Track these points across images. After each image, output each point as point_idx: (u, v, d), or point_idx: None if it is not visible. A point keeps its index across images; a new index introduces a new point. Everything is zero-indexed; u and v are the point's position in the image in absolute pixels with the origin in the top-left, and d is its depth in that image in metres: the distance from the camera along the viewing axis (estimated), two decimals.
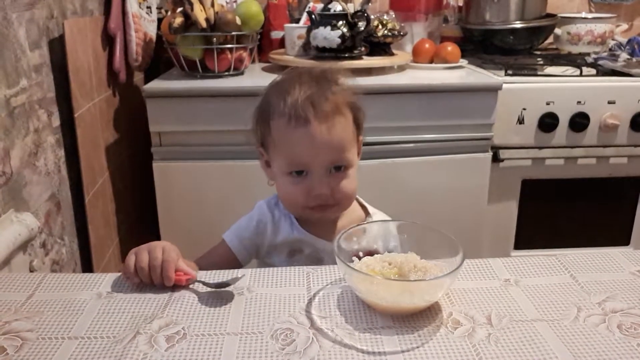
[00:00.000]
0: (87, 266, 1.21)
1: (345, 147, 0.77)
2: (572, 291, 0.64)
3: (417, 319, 0.58)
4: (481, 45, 1.75)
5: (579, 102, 1.41)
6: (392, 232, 0.69)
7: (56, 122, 1.09)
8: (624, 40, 1.64)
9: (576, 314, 0.60)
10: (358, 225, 0.70)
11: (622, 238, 1.58)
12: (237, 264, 0.85)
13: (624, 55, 1.49)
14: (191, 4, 1.30)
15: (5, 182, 0.89)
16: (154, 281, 0.65)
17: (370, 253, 0.68)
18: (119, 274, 0.68)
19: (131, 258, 0.66)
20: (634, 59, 1.47)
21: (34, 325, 0.58)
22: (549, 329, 0.57)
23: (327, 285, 0.66)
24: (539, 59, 1.65)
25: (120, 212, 1.42)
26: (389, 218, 0.89)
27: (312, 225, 0.84)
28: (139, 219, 1.58)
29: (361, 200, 0.89)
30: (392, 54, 1.52)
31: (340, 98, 0.77)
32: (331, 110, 0.75)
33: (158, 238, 1.35)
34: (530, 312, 0.60)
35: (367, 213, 0.89)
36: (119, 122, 1.43)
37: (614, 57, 1.51)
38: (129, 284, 0.66)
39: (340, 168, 0.78)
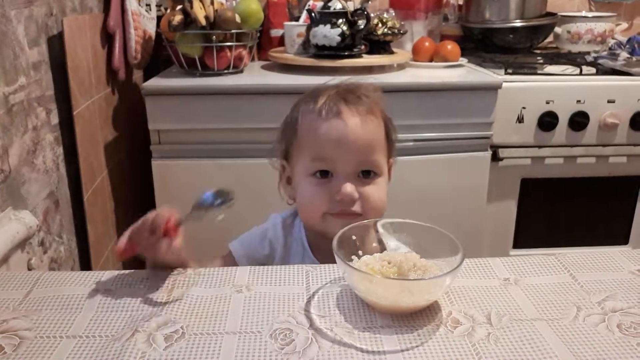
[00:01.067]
0: (86, 264, 1.21)
1: (376, 149, 0.74)
2: (572, 290, 0.64)
3: (416, 318, 0.58)
4: (481, 43, 1.74)
5: (578, 101, 1.41)
6: (393, 232, 0.69)
7: (55, 119, 1.09)
8: (624, 39, 1.64)
9: (576, 313, 0.60)
10: (358, 224, 0.70)
11: (621, 237, 1.58)
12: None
13: (624, 54, 1.49)
14: (190, 2, 1.29)
15: (3, 180, 0.89)
16: (147, 244, 0.64)
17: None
18: (118, 271, 0.68)
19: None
20: (634, 58, 1.46)
21: (32, 323, 0.58)
22: (548, 328, 0.57)
23: (326, 284, 0.65)
24: (538, 58, 1.65)
25: (119, 210, 1.42)
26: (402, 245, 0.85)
27: (325, 254, 0.76)
28: (138, 217, 1.58)
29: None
30: (391, 53, 1.52)
31: (373, 103, 0.75)
32: (364, 109, 0.73)
33: None
34: (529, 311, 0.60)
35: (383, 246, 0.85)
36: (118, 120, 1.42)
37: (614, 56, 1.51)
38: (127, 281, 0.66)
39: (369, 173, 0.74)
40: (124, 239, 0.65)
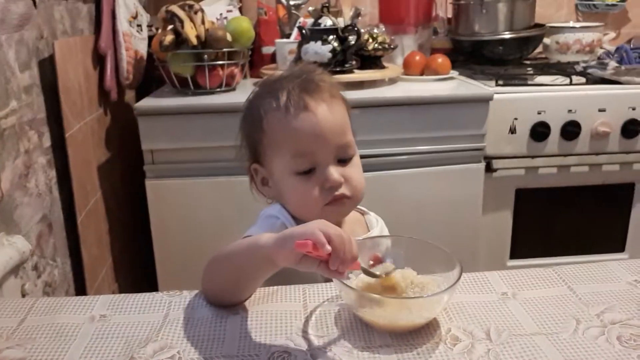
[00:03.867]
0: (80, 287, 1.20)
1: (347, 130, 0.76)
2: (570, 303, 0.64)
3: (415, 336, 0.58)
4: (471, 56, 1.76)
5: (569, 111, 1.42)
6: (389, 248, 0.68)
7: (47, 142, 1.09)
8: (612, 48, 1.66)
9: (575, 326, 0.59)
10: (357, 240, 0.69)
11: (617, 245, 1.58)
12: None
13: (612, 64, 1.50)
14: (181, 22, 1.30)
15: None
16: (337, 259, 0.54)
17: (378, 259, 0.67)
18: (112, 296, 0.67)
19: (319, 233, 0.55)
20: (623, 67, 1.48)
21: (26, 353, 0.57)
22: (548, 342, 0.57)
23: (323, 302, 0.65)
24: (529, 69, 1.66)
25: (113, 231, 1.40)
26: (381, 220, 0.87)
27: None
28: (132, 238, 1.57)
29: None
30: (383, 67, 1.53)
31: (329, 85, 0.77)
32: (326, 95, 0.75)
33: (151, 256, 1.34)
34: (529, 325, 0.60)
35: (362, 212, 0.87)
36: (110, 140, 1.42)
37: (602, 65, 1.52)
38: (122, 306, 0.65)
39: (345, 161, 0.75)
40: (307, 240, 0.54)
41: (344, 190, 0.74)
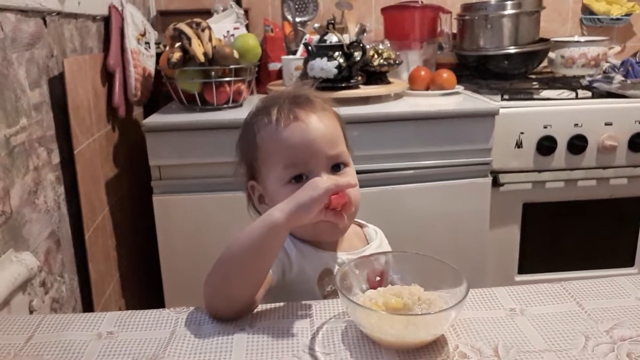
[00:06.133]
0: (88, 303, 1.20)
1: (339, 140, 0.75)
2: (579, 319, 0.63)
3: (423, 353, 0.57)
4: (476, 71, 1.77)
5: (576, 125, 1.42)
6: (390, 263, 0.68)
7: (56, 159, 1.10)
8: (617, 62, 1.66)
9: (584, 343, 0.59)
10: (362, 257, 0.69)
11: (626, 259, 1.57)
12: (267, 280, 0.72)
13: (618, 77, 1.50)
14: (189, 39, 1.32)
15: (4, 222, 0.89)
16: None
17: (382, 274, 0.67)
18: (119, 312, 0.68)
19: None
20: (629, 81, 1.48)
21: None
22: (557, 359, 0.56)
23: (330, 319, 0.65)
24: (534, 83, 1.67)
25: (121, 247, 1.41)
26: (380, 231, 0.87)
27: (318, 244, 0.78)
28: (140, 253, 1.57)
29: None
30: (388, 83, 1.54)
31: (320, 99, 0.77)
32: (317, 106, 0.75)
33: (158, 272, 1.34)
34: (537, 342, 0.59)
35: (360, 225, 0.86)
36: (118, 157, 1.43)
37: (608, 79, 1.52)
38: (129, 323, 0.65)
39: (339, 167, 0.74)
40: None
41: None
